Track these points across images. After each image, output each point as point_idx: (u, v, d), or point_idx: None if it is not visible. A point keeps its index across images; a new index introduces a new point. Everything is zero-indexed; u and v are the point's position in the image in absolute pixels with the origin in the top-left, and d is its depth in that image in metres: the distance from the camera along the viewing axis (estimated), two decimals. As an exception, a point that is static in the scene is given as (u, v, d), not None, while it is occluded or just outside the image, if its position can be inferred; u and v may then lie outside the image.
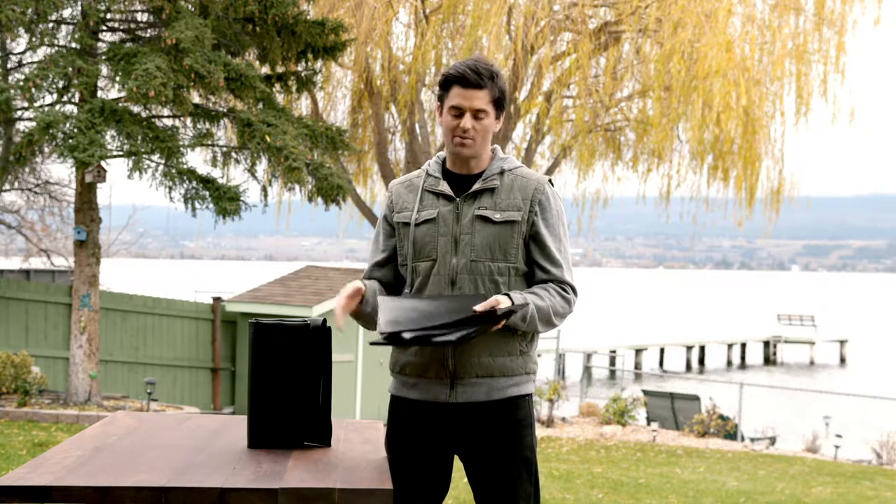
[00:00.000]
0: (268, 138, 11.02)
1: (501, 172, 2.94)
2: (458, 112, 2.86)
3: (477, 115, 2.86)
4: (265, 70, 12.69)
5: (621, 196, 19.40)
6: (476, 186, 2.91)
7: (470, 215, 2.89)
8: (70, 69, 10.57)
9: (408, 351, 2.91)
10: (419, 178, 3.00)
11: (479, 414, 2.87)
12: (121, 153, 10.98)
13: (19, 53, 12.11)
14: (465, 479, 2.98)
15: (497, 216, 2.88)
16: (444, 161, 3.01)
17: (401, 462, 2.90)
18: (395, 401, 2.99)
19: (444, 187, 2.93)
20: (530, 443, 2.92)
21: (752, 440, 15.86)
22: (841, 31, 16.17)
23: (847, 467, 12.60)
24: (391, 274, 3.04)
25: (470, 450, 2.90)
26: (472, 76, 2.84)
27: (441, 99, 2.92)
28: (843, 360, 41.88)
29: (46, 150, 11.95)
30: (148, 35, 11.91)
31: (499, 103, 2.90)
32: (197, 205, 11.43)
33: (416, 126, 16.84)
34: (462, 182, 2.95)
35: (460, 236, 2.88)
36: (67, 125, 10.45)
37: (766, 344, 41.42)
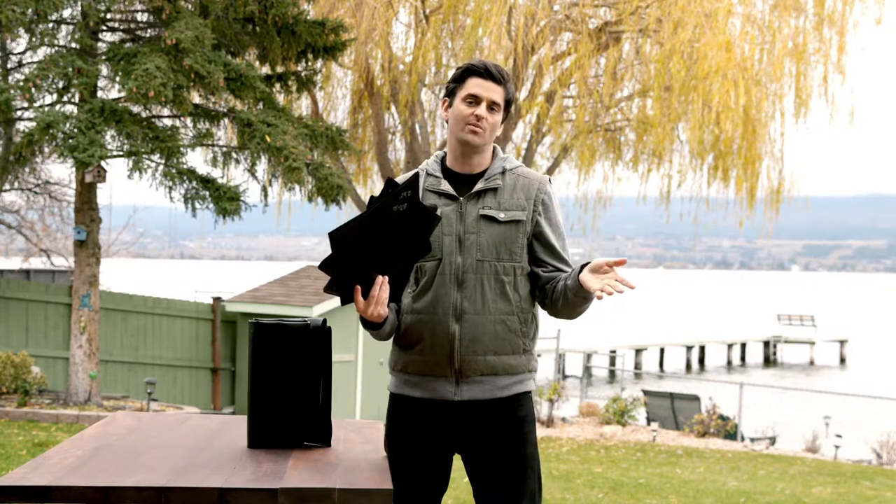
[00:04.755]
0: (268, 138, 11.02)
1: (503, 172, 2.97)
2: (475, 100, 2.90)
3: (491, 107, 2.91)
4: (265, 70, 12.68)
5: (621, 196, 19.41)
6: (479, 186, 2.93)
7: (474, 214, 2.91)
8: (70, 69, 10.57)
9: (411, 349, 2.92)
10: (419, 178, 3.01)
11: (483, 411, 2.89)
12: (121, 153, 10.97)
13: (19, 53, 12.11)
14: (467, 479, 2.98)
15: (502, 216, 2.91)
16: (442, 160, 3.03)
17: (401, 460, 2.90)
18: (396, 399, 2.98)
19: (446, 186, 2.95)
20: (533, 439, 2.95)
21: (752, 440, 15.84)
22: (842, 31, 16.17)
23: (847, 467, 12.59)
24: None
25: (473, 447, 2.91)
26: (493, 70, 2.92)
27: (453, 91, 2.95)
28: (843, 360, 41.87)
29: (46, 150, 11.96)
30: (148, 35, 11.91)
31: (508, 105, 2.97)
32: (197, 205, 11.42)
33: (416, 126, 16.84)
34: (463, 181, 2.96)
35: (465, 235, 2.90)
36: (67, 125, 10.45)
37: (766, 344, 41.42)
